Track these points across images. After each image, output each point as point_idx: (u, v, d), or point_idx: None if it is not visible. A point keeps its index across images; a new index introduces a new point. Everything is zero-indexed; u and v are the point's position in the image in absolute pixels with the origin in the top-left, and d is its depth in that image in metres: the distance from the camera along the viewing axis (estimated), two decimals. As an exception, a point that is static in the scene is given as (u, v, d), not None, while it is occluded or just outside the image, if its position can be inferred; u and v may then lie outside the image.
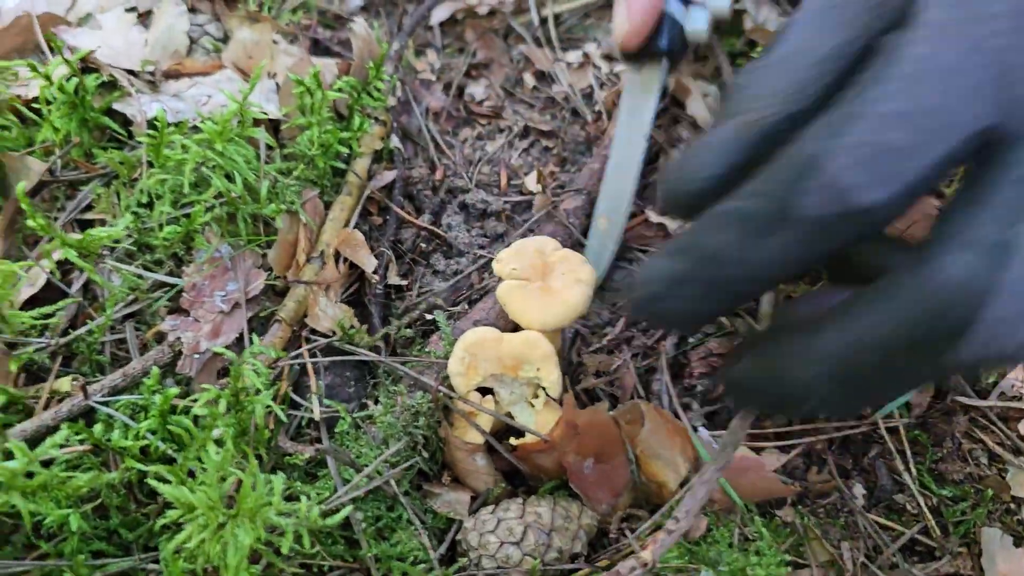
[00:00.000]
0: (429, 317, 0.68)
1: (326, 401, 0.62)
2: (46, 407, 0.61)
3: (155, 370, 0.60)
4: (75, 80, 0.70)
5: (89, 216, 0.70)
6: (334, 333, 0.64)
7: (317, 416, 0.61)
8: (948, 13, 0.39)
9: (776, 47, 0.45)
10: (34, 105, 0.73)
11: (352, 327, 0.64)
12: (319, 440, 0.61)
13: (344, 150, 0.71)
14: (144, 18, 0.89)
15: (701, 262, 0.42)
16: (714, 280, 0.43)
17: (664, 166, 0.72)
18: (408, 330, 0.67)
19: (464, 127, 0.83)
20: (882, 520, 0.62)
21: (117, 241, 0.65)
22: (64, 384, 0.61)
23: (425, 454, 0.62)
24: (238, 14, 0.87)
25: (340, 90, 0.71)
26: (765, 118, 0.43)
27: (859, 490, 0.63)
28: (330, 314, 0.65)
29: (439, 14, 0.93)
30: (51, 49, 0.84)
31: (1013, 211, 0.37)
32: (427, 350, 0.64)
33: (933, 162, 0.38)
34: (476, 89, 0.85)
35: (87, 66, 0.75)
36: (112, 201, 0.69)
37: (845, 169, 0.38)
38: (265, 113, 0.71)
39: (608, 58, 0.86)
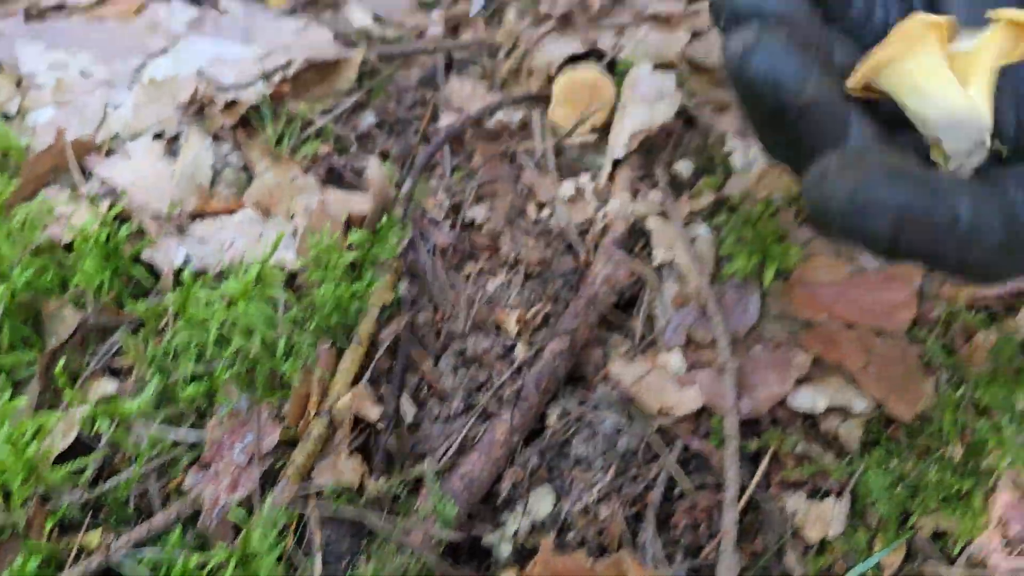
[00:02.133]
0: (420, 467, 0.73)
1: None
2: (75, 561, 0.66)
3: (178, 528, 0.65)
4: (107, 230, 0.76)
5: (118, 363, 0.75)
6: (339, 494, 0.69)
7: None
8: None
9: None
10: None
11: (349, 488, 0.69)
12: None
13: (356, 304, 0.76)
14: (171, 143, 0.94)
15: None
16: None
17: None
18: (398, 485, 0.71)
19: (468, 261, 0.87)
20: None
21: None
22: (94, 538, 0.67)
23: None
24: (259, 143, 0.92)
25: (351, 246, 0.76)
26: None
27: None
28: (339, 468, 0.70)
29: (445, 124, 0.98)
30: (84, 173, 0.90)
31: None
32: (416, 508, 0.69)
33: None
34: (480, 219, 0.90)
35: (119, 212, 0.80)
36: (140, 348, 0.75)
37: None
38: (283, 268, 0.76)
39: (597, 196, 0.91)
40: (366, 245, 0.77)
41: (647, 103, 0.93)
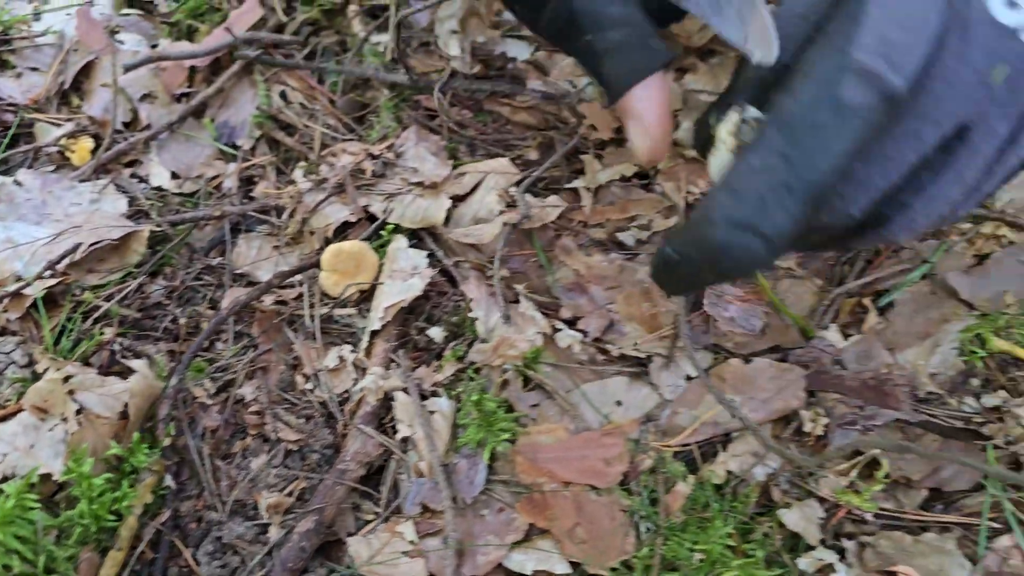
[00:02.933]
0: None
1: None
2: None
3: None
4: None
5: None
6: None
7: None
8: None
9: None
10: None
11: None
12: None
13: (114, 518, 0.86)
14: (-39, 336, 1.02)
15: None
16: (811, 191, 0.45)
17: None
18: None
19: (237, 438, 0.98)
20: None
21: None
22: None
23: None
24: (40, 341, 1.00)
25: (114, 455, 0.86)
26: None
27: None
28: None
29: (226, 301, 1.07)
30: None
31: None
32: None
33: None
34: (249, 397, 1.00)
35: None
36: (-82, 568, 0.84)
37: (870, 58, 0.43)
38: (51, 476, 0.86)
39: (357, 366, 1.01)
40: (127, 455, 0.87)
41: (403, 278, 1.03)
